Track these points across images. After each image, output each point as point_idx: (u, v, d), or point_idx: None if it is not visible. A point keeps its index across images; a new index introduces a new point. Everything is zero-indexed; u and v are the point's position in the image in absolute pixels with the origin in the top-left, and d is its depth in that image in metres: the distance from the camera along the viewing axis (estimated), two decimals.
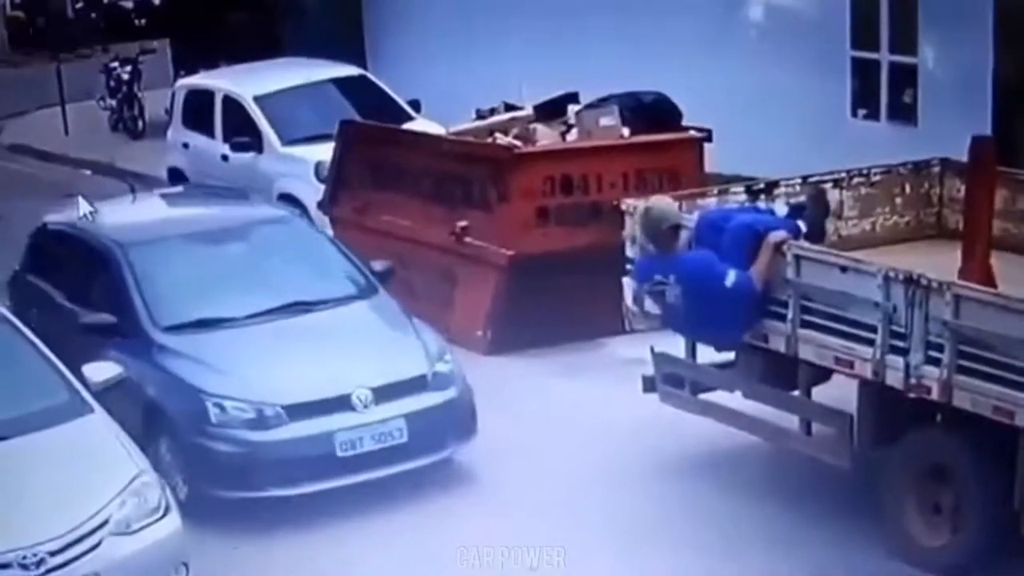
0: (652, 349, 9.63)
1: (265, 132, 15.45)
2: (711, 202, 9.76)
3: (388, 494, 9.18)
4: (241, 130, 15.64)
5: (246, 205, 11.61)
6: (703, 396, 9.46)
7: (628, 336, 10.22)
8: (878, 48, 14.43)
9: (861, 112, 14.66)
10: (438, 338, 9.94)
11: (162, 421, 9.31)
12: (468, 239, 12.10)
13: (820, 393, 8.82)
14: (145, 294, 9.86)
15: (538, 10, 17.50)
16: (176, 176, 16.92)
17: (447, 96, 15.76)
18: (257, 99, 15.69)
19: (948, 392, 7.76)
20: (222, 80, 16.68)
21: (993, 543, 7.88)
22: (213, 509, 8.98)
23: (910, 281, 7.91)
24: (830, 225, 9.90)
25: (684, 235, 9.00)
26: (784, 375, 8.83)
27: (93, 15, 28.53)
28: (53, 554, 7.33)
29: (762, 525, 8.81)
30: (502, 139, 12.70)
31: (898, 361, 7.98)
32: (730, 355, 9.35)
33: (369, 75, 16.79)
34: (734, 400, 9.30)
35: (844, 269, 8.31)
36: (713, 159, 12.43)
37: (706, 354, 9.46)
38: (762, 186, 9.94)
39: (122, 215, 11.41)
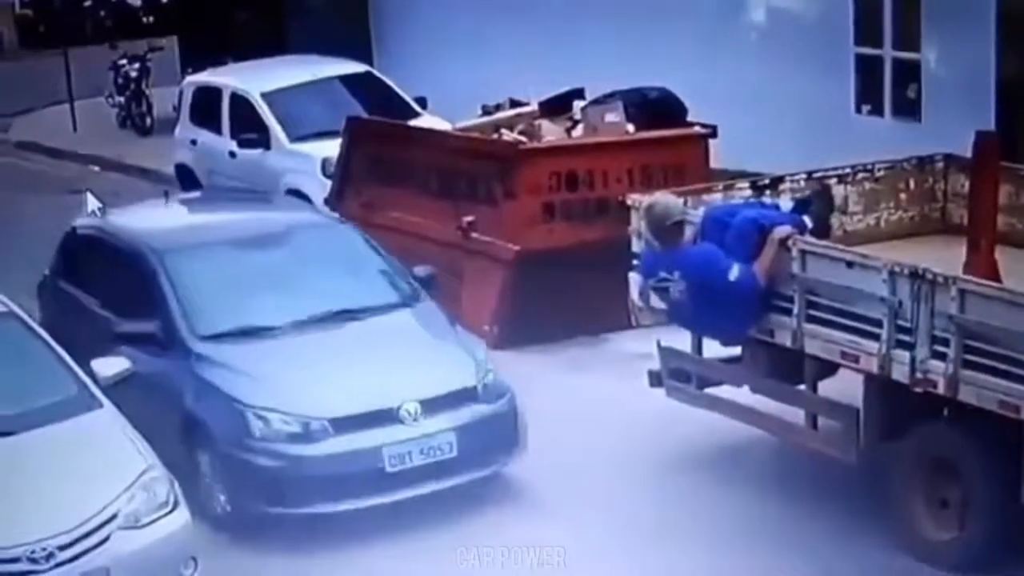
0: (658, 344, 9.59)
1: (272, 129, 15.42)
2: (716, 198, 9.72)
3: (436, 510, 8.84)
4: (248, 127, 15.62)
5: (286, 208, 11.15)
6: (709, 391, 9.42)
7: (634, 331, 10.18)
8: (881, 44, 14.38)
9: (865, 108, 14.61)
10: (486, 349, 9.64)
11: (202, 434, 8.98)
12: (474, 235, 12.06)
13: (826, 388, 8.78)
14: (183, 302, 9.48)
15: (542, 6, 17.45)
16: (184, 173, 16.90)
17: (453, 92, 15.72)
18: (264, 96, 15.67)
19: (954, 386, 7.72)
20: (230, 77, 16.66)
21: (1001, 537, 7.85)
22: (256, 525, 8.75)
23: (915, 276, 7.87)
24: (835, 220, 9.85)
25: (688, 230, 8.95)
26: (790, 370, 8.80)
27: (102, 13, 28.49)
28: (62, 548, 7.31)
29: (768, 520, 8.77)
30: (508, 135, 12.66)
31: (904, 355, 7.95)
32: (736, 350, 9.31)
33: (375, 72, 16.76)
34: (740, 395, 9.26)
35: (850, 264, 8.28)
36: (718, 155, 12.41)
37: (712, 349, 9.41)
38: (767, 181, 9.90)
39: (156, 219, 10.98)
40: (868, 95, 14.58)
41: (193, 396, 9.07)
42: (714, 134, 12.29)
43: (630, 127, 12.33)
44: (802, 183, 9.87)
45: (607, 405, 10.35)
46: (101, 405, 8.21)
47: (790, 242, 8.58)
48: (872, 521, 8.46)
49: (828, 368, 8.70)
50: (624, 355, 11.04)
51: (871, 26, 14.42)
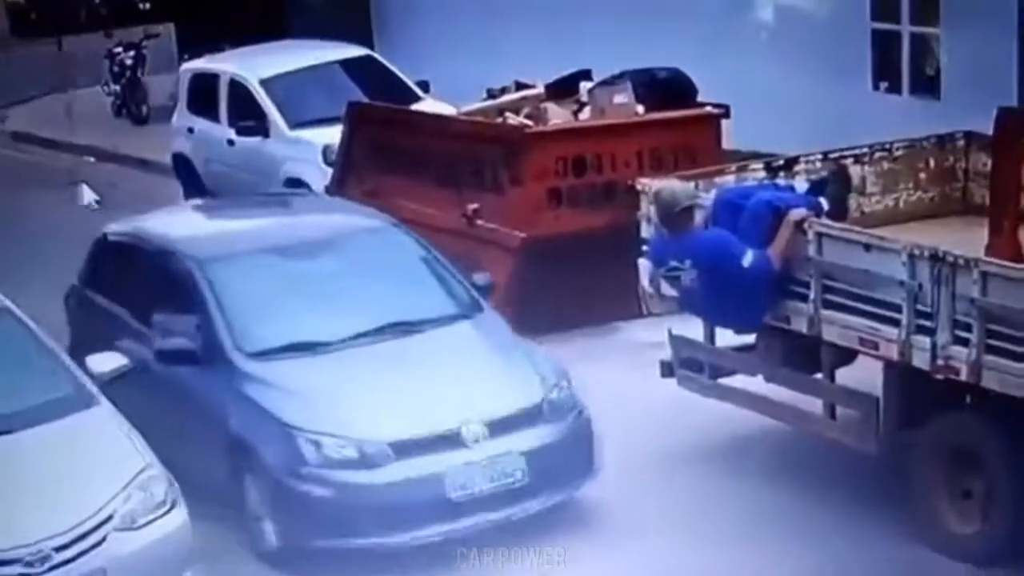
0: (670, 333, 9.54)
1: (271, 115, 15.38)
2: (729, 180, 9.67)
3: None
4: (247, 114, 15.59)
5: (333, 211, 10.67)
6: (723, 380, 9.38)
7: (645, 320, 10.13)
8: (899, 19, 14.34)
9: (883, 85, 14.57)
10: (555, 361, 9.10)
11: (249, 460, 8.51)
12: (479, 222, 12.02)
13: (844, 376, 8.73)
14: (227, 316, 9.00)
15: None
16: (181, 162, 16.88)
17: (457, 76, 15.68)
18: (263, 82, 15.63)
19: (977, 373, 7.68)
20: (227, 63, 16.63)
21: None
22: (308, 560, 8.33)
23: (936, 258, 7.83)
24: (852, 202, 9.80)
25: (700, 215, 8.89)
26: (806, 357, 8.75)
27: (96, 0, 28.47)
28: (58, 550, 7.30)
29: (784, 512, 8.75)
30: (513, 119, 12.62)
31: (924, 341, 7.90)
32: (750, 338, 9.26)
33: (377, 56, 16.72)
34: (755, 384, 9.21)
35: (868, 247, 8.23)
36: (731, 135, 12.35)
37: (725, 337, 9.36)
38: (781, 162, 9.85)
39: (194, 225, 10.58)
40: (885, 72, 14.54)
41: (239, 418, 8.61)
42: (726, 114, 12.24)
43: (639, 109, 12.28)
44: (818, 164, 9.83)
45: (617, 396, 10.29)
46: (98, 403, 8.19)
47: (806, 225, 8.54)
48: (892, 513, 8.43)
49: (846, 356, 8.65)
50: (635, 344, 11.00)
51: (888, 0, 14.35)
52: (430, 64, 16.83)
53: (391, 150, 13.19)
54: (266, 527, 8.50)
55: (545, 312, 11.55)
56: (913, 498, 8.31)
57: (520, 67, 13.62)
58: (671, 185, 9.08)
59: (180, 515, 7.74)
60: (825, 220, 8.72)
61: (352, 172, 13.53)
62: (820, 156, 9.89)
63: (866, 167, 9.99)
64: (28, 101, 23.95)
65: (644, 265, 9.44)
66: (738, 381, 9.32)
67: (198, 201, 11.04)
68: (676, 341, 9.51)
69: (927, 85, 14.17)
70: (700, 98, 12.53)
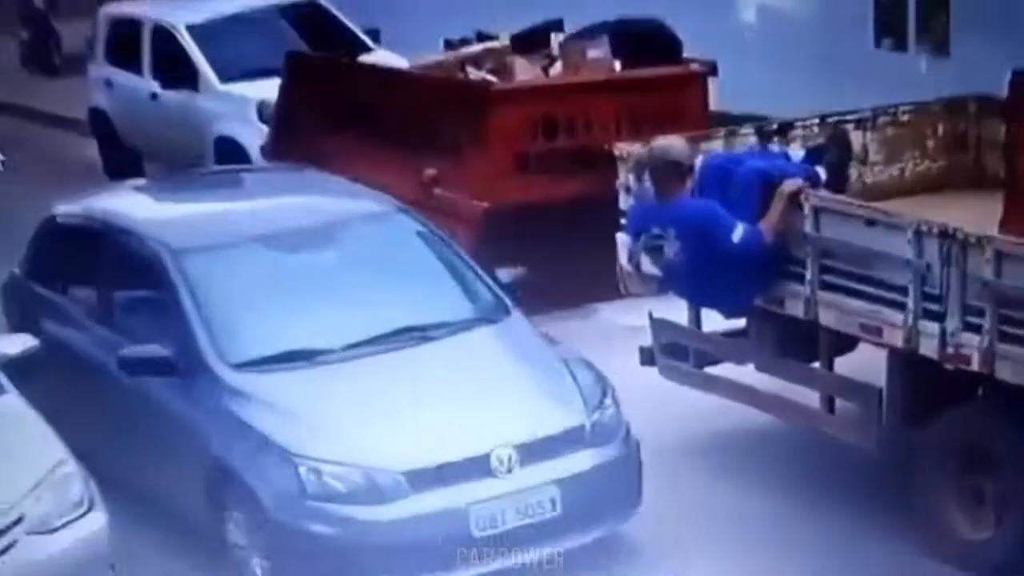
0: (651, 316, 9.62)
1: (200, 67, 15.38)
2: (716, 146, 9.73)
3: None
4: (173, 65, 15.60)
5: (330, 193, 10.01)
6: (709, 369, 9.45)
7: (624, 301, 10.20)
8: None
9: (886, 42, 14.63)
10: (597, 373, 8.67)
11: (235, 491, 8.05)
12: (437, 190, 12.05)
13: (843, 365, 8.81)
14: (209, 318, 8.51)
15: None
16: (98, 119, 16.84)
17: (411, 24, 15.67)
18: (191, 29, 15.63)
19: (990, 362, 7.75)
20: (150, 7, 16.63)
21: None
22: None
23: (945, 235, 7.90)
24: (853, 172, 9.89)
25: (688, 184, 8.94)
26: (802, 345, 8.83)
27: None
28: None
29: (773, 516, 8.83)
30: (475, 74, 12.64)
31: (933, 327, 7.97)
32: (740, 322, 9.34)
33: (321, 0, 16.69)
34: (745, 373, 9.28)
35: (870, 222, 8.30)
36: (718, 96, 12.40)
37: (712, 321, 9.43)
38: (775, 127, 9.91)
39: (165, 206, 10.03)
40: (889, 27, 14.60)
41: (223, 442, 8.14)
42: (714, 72, 12.31)
43: (616, 65, 12.33)
44: (815, 129, 9.90)
45: None
46: (4, 391, 8.16)
47: (802, 197, 8.59)
48: (896, 517, 8.51)
49: (846, 343, 8.73)
50: (612, 328, 11.06)
51: None
52: (381, 10, 16.81)
53: (336, 108, 13.20)
54: (255, 568, 8.08)
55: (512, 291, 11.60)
56: (918, 501, 8.39)
57: (483, 15, 13.65)
58: (668, 139, 9.07)
59: (99, 517, 7.70)
60: (823, 192, 8.78)
61: (291, 132, 13.53)
62: (817, 120, 9.95)
63: (868, 133, 10.07)
64: None
65: (623, 240, 9.49)
66: (726, 370, 9.40)
67: (164, 177, 10.68)
68: (658, 325, 9.57)
69: (935, 42, 14.24)
70: (685, 54, 12.60)
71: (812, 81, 13.73)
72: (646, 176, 9.06)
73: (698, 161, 9.18)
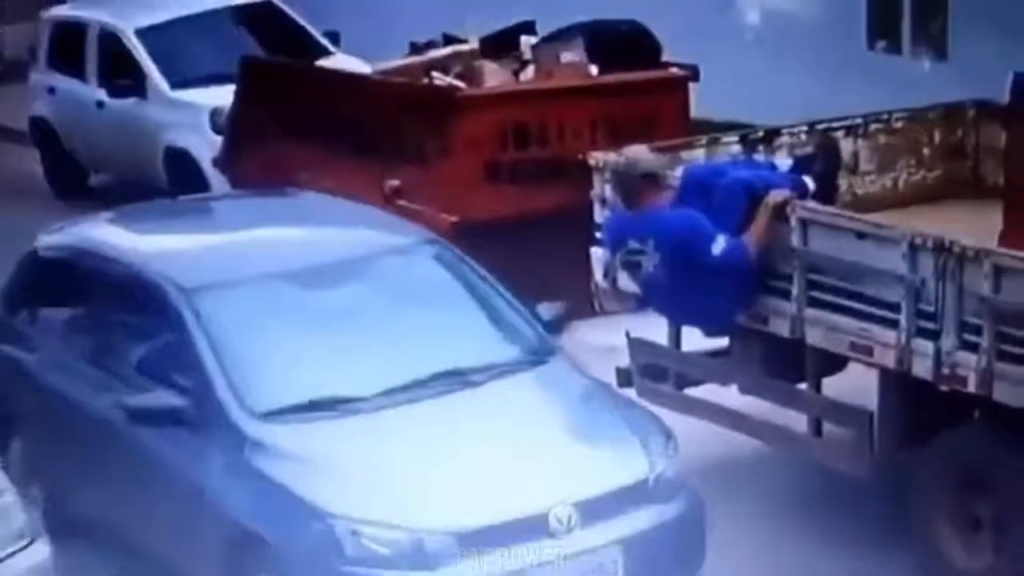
0: (628, 335, 9.65)
1: (149, 73, 15.40)
2: (698, 155, 9.78)
3: None
4: (120, 71, 15.61)
5: (352, 223, 9.67)
6: (690, 391, 9.48)
7: (599, 319, 10.23)
8: None
9: (879, 44, 14.71)
10: (657, 421, 8.42)
11: (260, 557, 7.64)
12: (402, 202, 12.07)
13: (832, 386, 8.85)
14: (227, 363, 8.14)
15: None
16: (40, 128, 16.83)
17: (373, 27, 15.72)
18: (139, 32, 15.64)
19: (988, 383, 7.79)
20: (96, 10, 16.63)
21: None
22: None
23: (941, 248, 7.94)
24: (844, 182, 9.94)
25: (664, 192, 8.99)
26: (788, 365, 8.87)
27: None
28: None
29: (757, 546, 8.85)
30: (441, 79, 12.68)
31: (927, 346, 8.01)
32: (723, 341, 9.38)
33: (276, 1, 16.72)
34: (728, 395, 9.32)
35: (861, 235, 8.34)
36: (700, 102, 12.45)
37: (693, 340, 9.48)
38: (760, 135, 9.97)
39: (171, 237, 9.55)
40: (883, 27, 14.67)
41: (247, 502, 7.75)
42: (695, 76, 12.35)
43: (592, 69, 12.37)
44: (803, 137, 9.95)
45: None
46: None
47: (788, 209, 8.63)
48: (889, 547, 8.54)
49: (834, 363, 8.77)
50: (587, 348, 11.01)
51: None
52: (340, 12, 16.86)
53: (294, 116, 13.22)
54: None
55: None
56: (913, 528, 8.42)
57: (450, 17, 13.69)
58: (633, 149, 9.13)
59: (43, 548, 7.71)
60: (811, 203, 8.80)
61: (246, 142, 13.56)
62: (805, 128, 10.02)
63: (860, 141, 10.13)
64: None
65: (598, 255, 9.54)
66: (708, 392, 9.44)
67: (166, 201, 10.04)
68: (635, 345, 9.61)
69: (932, 43, 14.32)
70: (664, 57, 12.66)
71: (800, 86, 13.79)
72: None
73: (678, 171, 9.25)
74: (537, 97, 12.21)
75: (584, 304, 9.96)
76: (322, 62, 14.89)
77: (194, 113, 14.83)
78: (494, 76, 12.65)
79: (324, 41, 15.89)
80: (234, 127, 13.71)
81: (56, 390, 9.05)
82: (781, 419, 9.05)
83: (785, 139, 9.94)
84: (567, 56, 12.38)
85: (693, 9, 14.83)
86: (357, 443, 7.88)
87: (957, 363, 7.91)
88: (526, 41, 12.88)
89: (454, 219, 11.84)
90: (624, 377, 9.71)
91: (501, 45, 12.99)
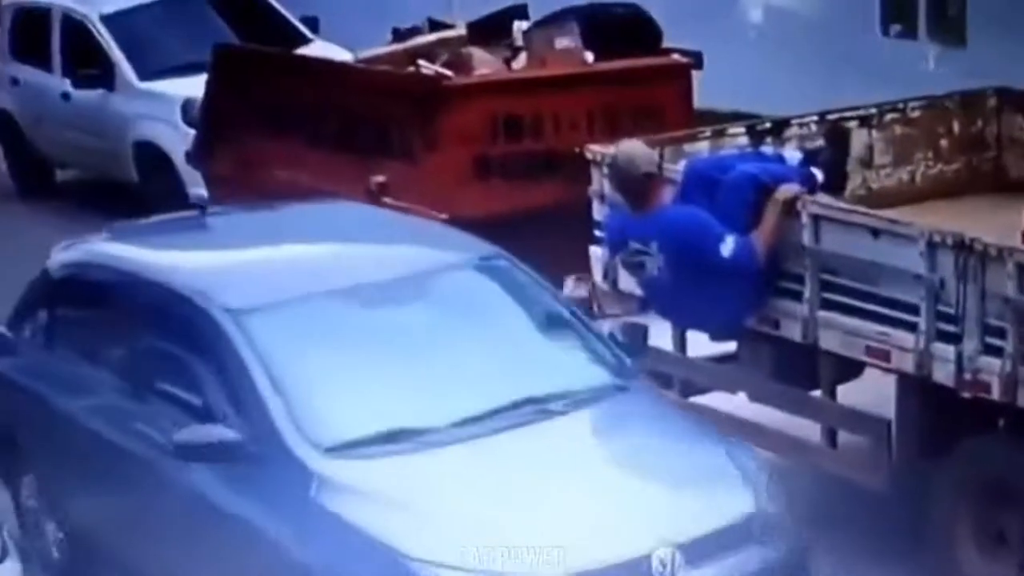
0: None
1: (117, 63, 15.42)
2: (702, 147, 9.79)
3: None
4: (86, 61, 15.62)
5: (411, 238, 9.32)
6: (696, 399, 9.49)
7: (599, 322, 10.22)
8: None
9: (894, 29, 14.74)
10: (754, 454, 8.10)
11: None
12: (387, 199, 12.08)
13: (847, 393, 8.88)
14: (287, 392, 7.79)
15: None
16: (2, 121, 16.82)
17: (354, 11, 15.72)
18: (106, 19, 15.66)
19: (1012, 389, 7.80)
20: None
21: None
22: None
23: (961, 246, 7.95)
24: (857, 176, 9.97)
25: (668, 191, 9.01)
26: (800, 371, 8.88)
27: None
28: None
29: None
30: (427, 67, 12.68)
31: (948, 351, 8.02)
32: (730, 346, 9.40)
33: None
34: (737, 404, 9.34)
35: (876, 232, 8.35)
36: (704, 91, 12.46)
37: (699, 345, 9.50)
38: (768, 126, 9.98)
39: (209, 253, 9.18)
40: (899, 12, 14.70)
41: (313, 544, 7.39)
42: (699, 64, 12.37)
43: (588, 56, 12.39)
44: (813, 127, 9.97)
45: None
46: None
47: (799, 204, 8.65)
48: (908, 561, 8.58)
49: (850, 368, 8.80)
50: None
51: None
52: None
53: (271, 107, 13.23)
54: None
55: None
56: (934, 541, 8.44)
57: (436, 2, 13.68)
58: (627, 145, 9.14)
59: (14, 567, 7.73)
60: (823, 198, 8.83)
61: (220, 135, 13.56)
62: (816, 118, 10.03)
63: (874, 132, 10.15)
64: None
65: (597, 254, 9.55)
66: (715, 399, 9.45)
67: (186, 213, 9.54)
68: None
69: (949, 29, 14.35)
70: (665, 43, 12.67)
71: (810, 73, 13.82)
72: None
73: (680, 165, 9.27)
74: (530, 86, 12.20)
75: (583, 306, 9.97)
76: (300, 50, 14.89)
77: (165, 105, 14.85)
78: (484, 64, 12.66)
79: (302, 28, 15.92)
80: (208, 120, 13.72)
81: (77, 421, 8.75)
82: (793, 428, 9.08)
83: (795, 130, 9.94)
84: (561, 42, 12.38)
85: None
86: (435, 480, 7.56)
87: (979, 368, 7.92)
88: (518, 26, 12.89)
89: (443, 216, 11.83)
90: None
91: (491, 31, 12.99)
